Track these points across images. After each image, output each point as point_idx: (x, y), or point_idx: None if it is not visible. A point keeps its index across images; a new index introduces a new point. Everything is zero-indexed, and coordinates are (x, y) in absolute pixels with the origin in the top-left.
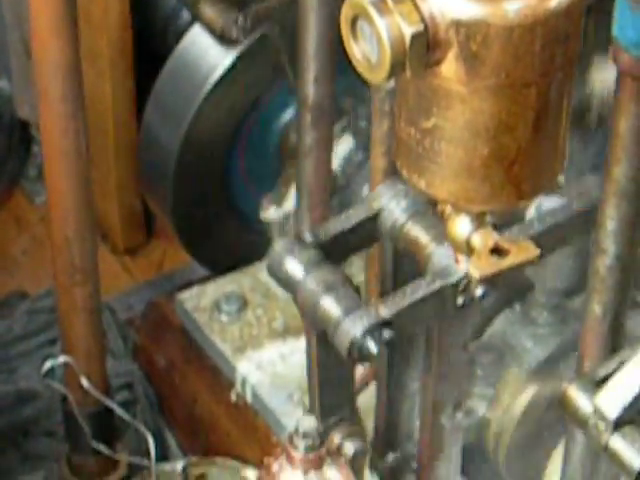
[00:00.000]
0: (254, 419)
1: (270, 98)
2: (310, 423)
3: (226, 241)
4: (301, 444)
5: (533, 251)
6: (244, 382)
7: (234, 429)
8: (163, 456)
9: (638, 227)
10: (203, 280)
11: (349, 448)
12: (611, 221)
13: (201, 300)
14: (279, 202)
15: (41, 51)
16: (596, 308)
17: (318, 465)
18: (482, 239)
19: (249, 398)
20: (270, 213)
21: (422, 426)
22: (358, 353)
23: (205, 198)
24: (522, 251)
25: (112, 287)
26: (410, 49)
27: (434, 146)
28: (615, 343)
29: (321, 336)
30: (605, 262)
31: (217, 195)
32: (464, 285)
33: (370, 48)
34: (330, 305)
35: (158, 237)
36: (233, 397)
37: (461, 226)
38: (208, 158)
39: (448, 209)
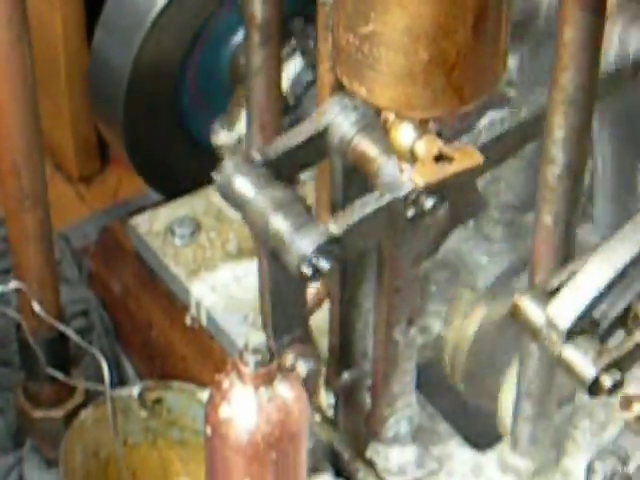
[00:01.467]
0: (209, 342)
1: (220, 19)
2: (259, 339)
3: (178, 165)
4: (251, 360)
5: (477, 157)
6: (198, 305)
7: (190, 353)
8: (121, 382)
9: (586, 135)
10: (156, 205)
11: (302, 367)
12: (559, 129)
13: (154, 224)
14: (230, 125)
15: None
16: (547, 219)
17: (269, 381)
18: (426, 147)
19: (204, 321)
20: (221, 136)
21: (376, 342)
22: (309, 270)
23: (156, 121)
24: (466, 157)
25: (67, 216)
26: None
27: (373, 52)
28: (567, 254)
29: (272, 255)
30: (554, 171)
31: (168, 118)
32: (414, 198)
33: None
34: (280, 223)
35: (113, 165)
36: (188, 321)
37: (404, 134)
38: (159, 81)
39: (391, 118)
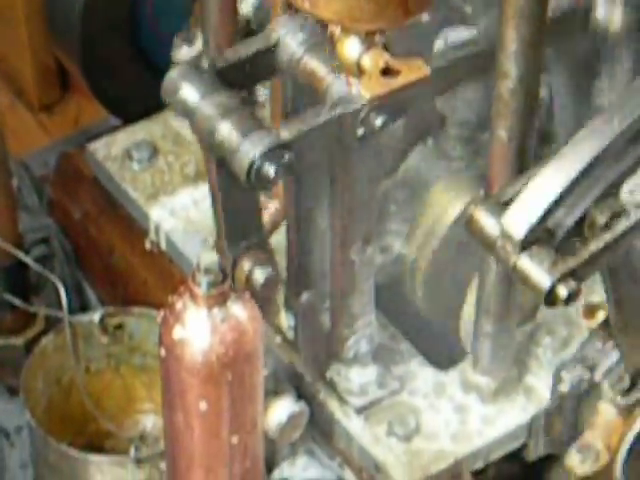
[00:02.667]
0: (169, 266)
1: None
2: (211, 259)
3: (137, 89)
4: (203, 280)
5: (424, 70)
6: (157, 229)
7: (150, 277)
8: (83, 309)
9: (539, 48)
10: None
11: (259, 275)
12: (511, 43)
13: (112, 149)
14: (191, 41)
15: None
16: (502, 133)
17: (222, 301)
18: (372, 60)
19: (163, 245)
20: (182, 52)
21: (332, 262)
22: (257, 177)
23: (113, 44)
24: (413, 70)
25: (27, 144)
26: None
27: None
28: (522, 168)
29: (220, 162)
30: (508, 85)
31: (126, 41)
32: (364, 116)
33: None
34: (227, 129)
35: (74, 93)
36: (147, 245)
37: (350, 47)
38: (115, 3)
39: (337, 32)
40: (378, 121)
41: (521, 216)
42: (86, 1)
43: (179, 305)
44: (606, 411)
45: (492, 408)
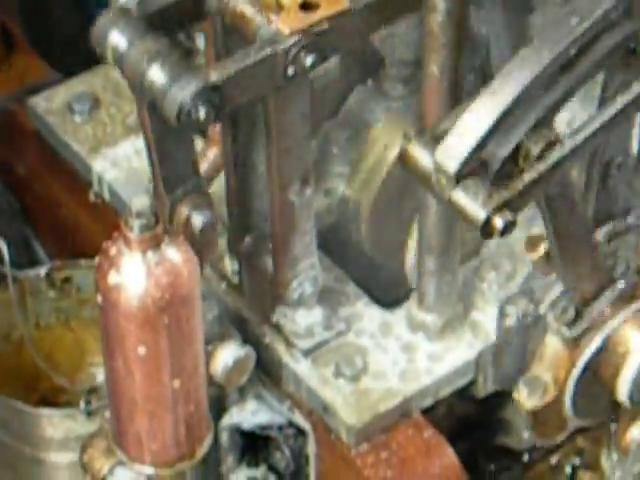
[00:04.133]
0: (114, 217)
1: None
2: (143, 203)
3: (78, 41)
4: (135, 224)
5: (343, 3)
6: (100, 180)
7: (97, 229)
8: (33, 265)
9: None
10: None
11: (197, 220)
12: None
13: (53, 103)
14: None
15: None
16: (434, 68)
17: (155, 245)
18: None
19: (107, 196)
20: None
21: (272, 204)
22: (187, 119)
23: None
24: (332, 4)
25: None
26: None
27: None
28: (455, 102)
29: (151, 107)
30: (437, 19)
31: None
32: (294, 55)
33: None
34: (156, 73)
35: (18, 52)
36: (92, 197)
37: None
38: None
39: None
40: (308, 60)
41: (454, 149)
42: None
43: (113, 250)
44: (552, 343)
45: (439, 345)
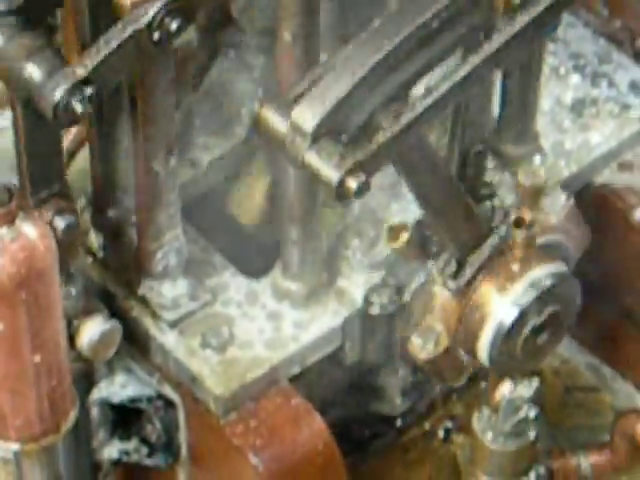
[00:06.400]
0: None
1: None
2: None
3: None
4: None
5: None
6: None
7: None
8: None
9: None
10: None
11: (60, 223)
12: None
13: None
14: None
15: None
16: (286, 35)
17: (10, 220)
18: None
19: None
20: None
21: (137, 175)
22: (64, 115)
23: None
24: None
25: None
26: None
27: None
28: (308, 68)
29: (26, 104)
30: None
31: None
32: (158, 21)
33: None
34: (32, 71)
35: None
36: None
37: None
38: None
39: None
40: (173, 25)
41: (311, 110)
42: None
43: None
44: (441, 294)
45: (305, 313)
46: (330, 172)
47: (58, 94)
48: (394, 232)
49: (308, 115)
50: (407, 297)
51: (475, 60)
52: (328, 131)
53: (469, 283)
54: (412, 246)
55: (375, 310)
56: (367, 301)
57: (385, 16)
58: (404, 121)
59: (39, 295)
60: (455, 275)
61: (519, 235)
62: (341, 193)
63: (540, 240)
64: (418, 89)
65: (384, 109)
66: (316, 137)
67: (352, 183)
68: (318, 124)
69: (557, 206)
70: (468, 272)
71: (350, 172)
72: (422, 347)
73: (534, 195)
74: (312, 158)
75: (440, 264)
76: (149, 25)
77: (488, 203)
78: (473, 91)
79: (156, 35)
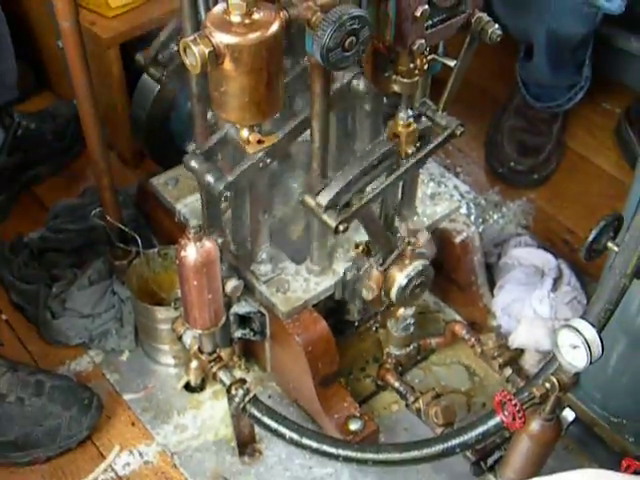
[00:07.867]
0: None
1: None
2: None
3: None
4: None
5: None
6: None
7: (176, 230)
8: (151, 247)
9: None
10: None
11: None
12: None
13: None
14: None
15: None
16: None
17: (198, 239)
18: None
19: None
20: None
21: (252, 224)
22: None
23: None
24: None
25: None
26: (208, 58)
27: (224, 98)
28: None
29: None
30: None
31: None
32: None
33: (192, 60)
34: None
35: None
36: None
37: None
38: None
39: None
40: None
41: (325, 196)
42: None
43: (181, 242)
44: (375, 272)
45: (319, 279)
46: (332, 222)
47: None
48: (356, 245)
49: (325, 198)
50: (361, 273)
51: (392, 178)
52: (331, 205)
53: (387, 267)
54: (364, 251)
55: (348, 277)
56: (345, 274)
57: (361, 152)
58: (363, 201)
59: (210, 270)
60: (382, 264)
61: (408, 248)
62: (336, 231)
63: (417, 251)
64: (369, 188)
65: (356, 195)
66: (326, 208)
67: (341, 227)
68: (327, 204)
69: (423, 237)
70: (387, 262)
71: (340, 223)
72: (367, 294)
73: (414, 233)
74: (325, 217)
75: (376, 259)
76: None
77: (397, 234)
78: (390, 190)
79: None
